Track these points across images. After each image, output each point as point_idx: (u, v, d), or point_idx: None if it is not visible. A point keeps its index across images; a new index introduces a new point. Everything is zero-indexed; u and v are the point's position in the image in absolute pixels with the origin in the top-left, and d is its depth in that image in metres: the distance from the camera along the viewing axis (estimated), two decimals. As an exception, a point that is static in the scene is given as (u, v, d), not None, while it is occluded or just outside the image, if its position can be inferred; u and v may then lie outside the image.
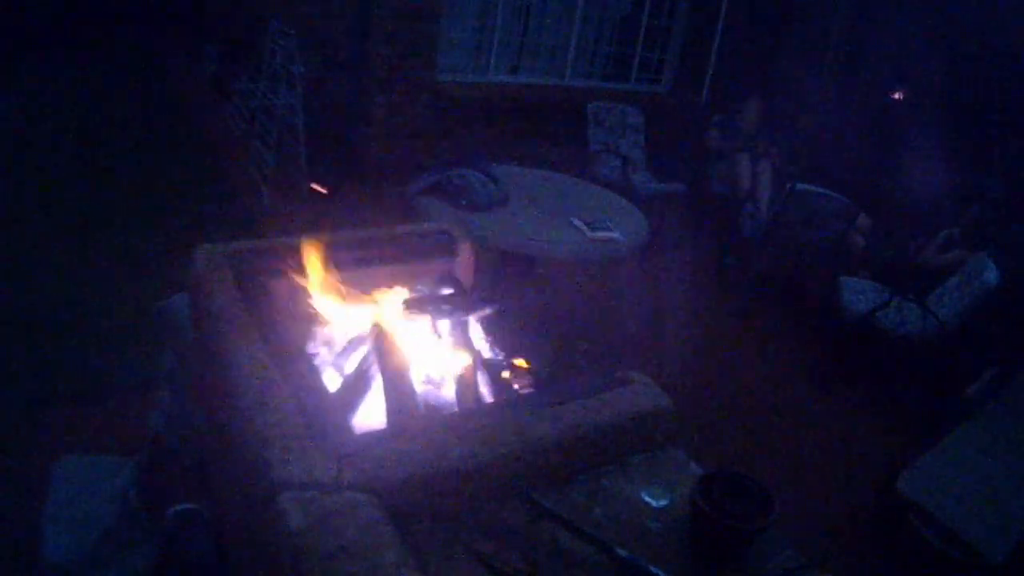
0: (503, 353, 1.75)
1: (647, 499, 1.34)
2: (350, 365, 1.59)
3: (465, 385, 1.57)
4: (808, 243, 4.33)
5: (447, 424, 1.35)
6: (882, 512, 2.73)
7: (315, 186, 4.75)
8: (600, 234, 3.14)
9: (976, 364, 3.38)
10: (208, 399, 1.65)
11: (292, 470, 1.12)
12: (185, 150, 5.40)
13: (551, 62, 5.80)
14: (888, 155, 4.92)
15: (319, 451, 1.17)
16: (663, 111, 5.85)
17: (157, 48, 7.64)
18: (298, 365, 1.47)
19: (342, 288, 1.60)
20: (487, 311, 1.77)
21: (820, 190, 4.25)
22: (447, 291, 1.80)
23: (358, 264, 1.82)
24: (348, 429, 1.39)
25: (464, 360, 1.60)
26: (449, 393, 1.59)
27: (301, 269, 1.60)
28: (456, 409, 1.55)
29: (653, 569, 1.15)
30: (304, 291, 1.61)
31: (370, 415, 1.50)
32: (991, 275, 3.44)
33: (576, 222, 3.20)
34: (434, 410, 1.54)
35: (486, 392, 1.64)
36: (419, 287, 1.80)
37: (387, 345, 1.50)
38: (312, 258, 1.59)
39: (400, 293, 1.70)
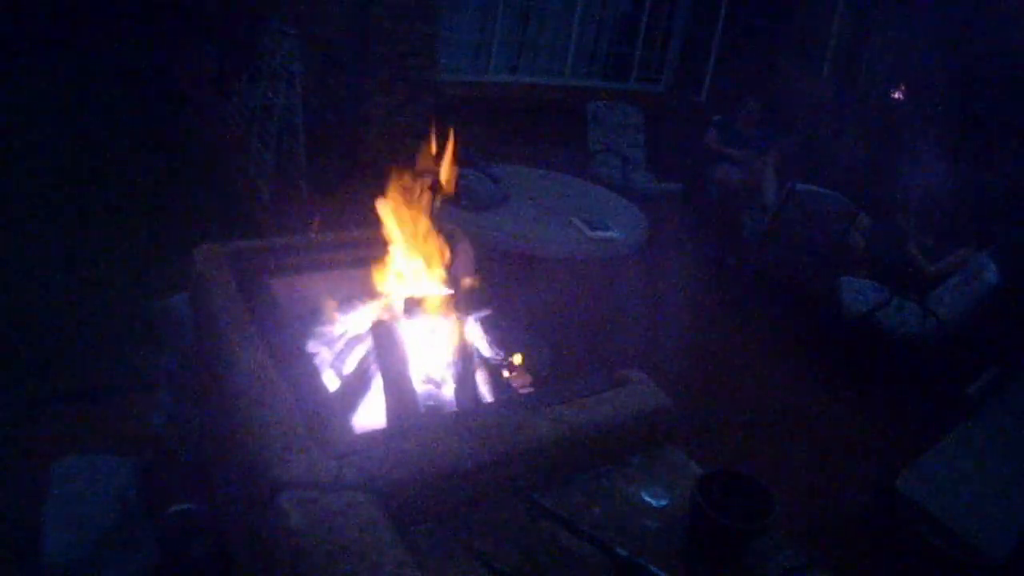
0: (503, 353, 1.76)
1: (647, 499, 1.34)
2: (350, 365, 1.60)
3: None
4: (808, 243, 4.32)
5: (447, 424, 1.35)
6: (882, 512, 2.73)
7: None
8: (600, 233, 3.15)
9: (976, 364, 3.38)
10: (208, 399, 1.65)
11: (292, 470, 1.12)
12: (185, 150, 5.40)
13: (551, 62, 5.80)
14: (888, 155, 4.92)
15: (319, 451, 1.17)
16: (663, 111, 5.86)
17: (157, 48, 7.63)
18: (298, 365, 1.47)
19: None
20: (486, 311, 1.77)
21: (820, 190, 4.25)
22: (447, 291, 1.80)
23: (358, 264, 1.82)
24: (348, 429, 1.39)
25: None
26: (449, 393, 1.59)
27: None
28: (456, 409, 1.55)
29: (653, 569, 1.15)
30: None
31: (370, 415, 1.50)
32: (991, 275, 3.44)
33: (576, 221, 3.21)
34: (434, 410, 1.54)
35: (485, 392, 1.64)
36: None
37: (389, 343, 1.50)
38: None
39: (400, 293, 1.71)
